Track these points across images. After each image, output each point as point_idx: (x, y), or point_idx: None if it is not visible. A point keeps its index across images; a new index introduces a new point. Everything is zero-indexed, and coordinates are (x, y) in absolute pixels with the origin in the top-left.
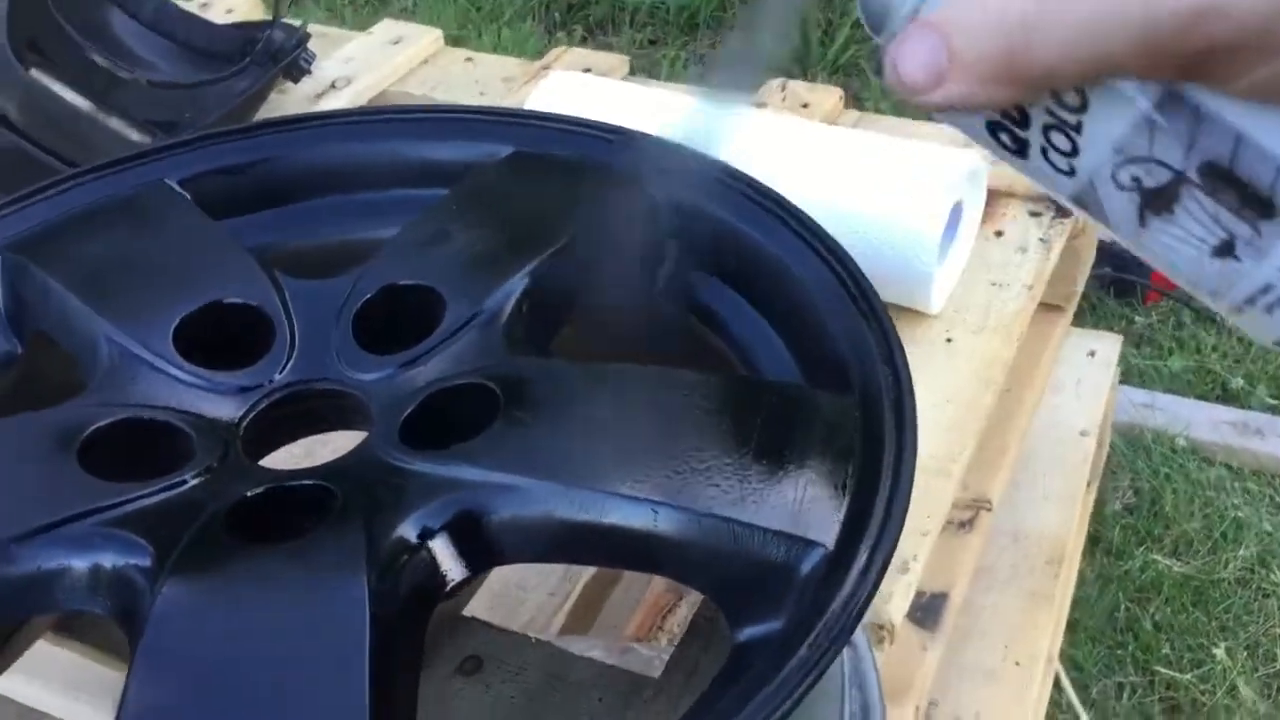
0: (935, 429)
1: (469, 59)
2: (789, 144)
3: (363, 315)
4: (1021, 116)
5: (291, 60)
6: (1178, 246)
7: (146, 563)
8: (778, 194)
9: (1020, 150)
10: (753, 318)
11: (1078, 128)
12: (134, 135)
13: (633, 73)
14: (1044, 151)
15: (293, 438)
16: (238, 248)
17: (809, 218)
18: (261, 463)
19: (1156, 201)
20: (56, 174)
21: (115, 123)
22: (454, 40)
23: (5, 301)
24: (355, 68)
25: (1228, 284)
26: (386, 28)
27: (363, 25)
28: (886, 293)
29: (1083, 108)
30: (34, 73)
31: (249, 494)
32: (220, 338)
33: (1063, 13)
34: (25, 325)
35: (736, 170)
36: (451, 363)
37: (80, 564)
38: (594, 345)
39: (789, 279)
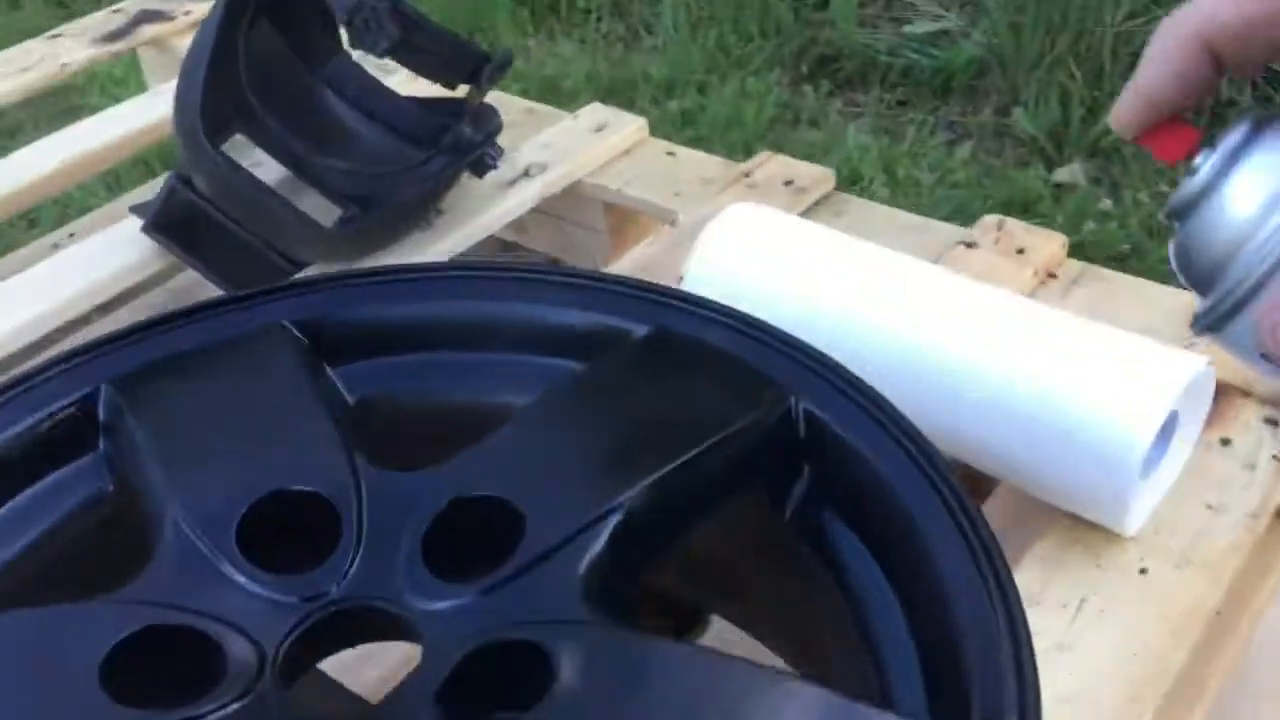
0: (1110, 684)
1: (670, 153)
2: (983, 321)
3: (440, 524)
4: None
5: (477, 158)
6: None
7: None
8: (932, 450)
9: None
10: (879, 582)
11: None
12: (323, 213)
13: (839, 186)
14: None
15: (336, 650)
16: (329, 424)
17: (959, 488)
18: (293, 690)
19: None
20: (233, 238)
21: (305, 204)
22: (699, 86)
23: (104, 438)
24: (552, 154)
25: None
26: (592, 112)
27: (613, 62)
28: (1075, 506)
29: None
30: (237, 138)
31: None
32: (288, 527)
33: None
34: (117, 467)
35: (889, 405)
36: (516, 605)
37: None
38: (701, 574)
39: (926, 551)
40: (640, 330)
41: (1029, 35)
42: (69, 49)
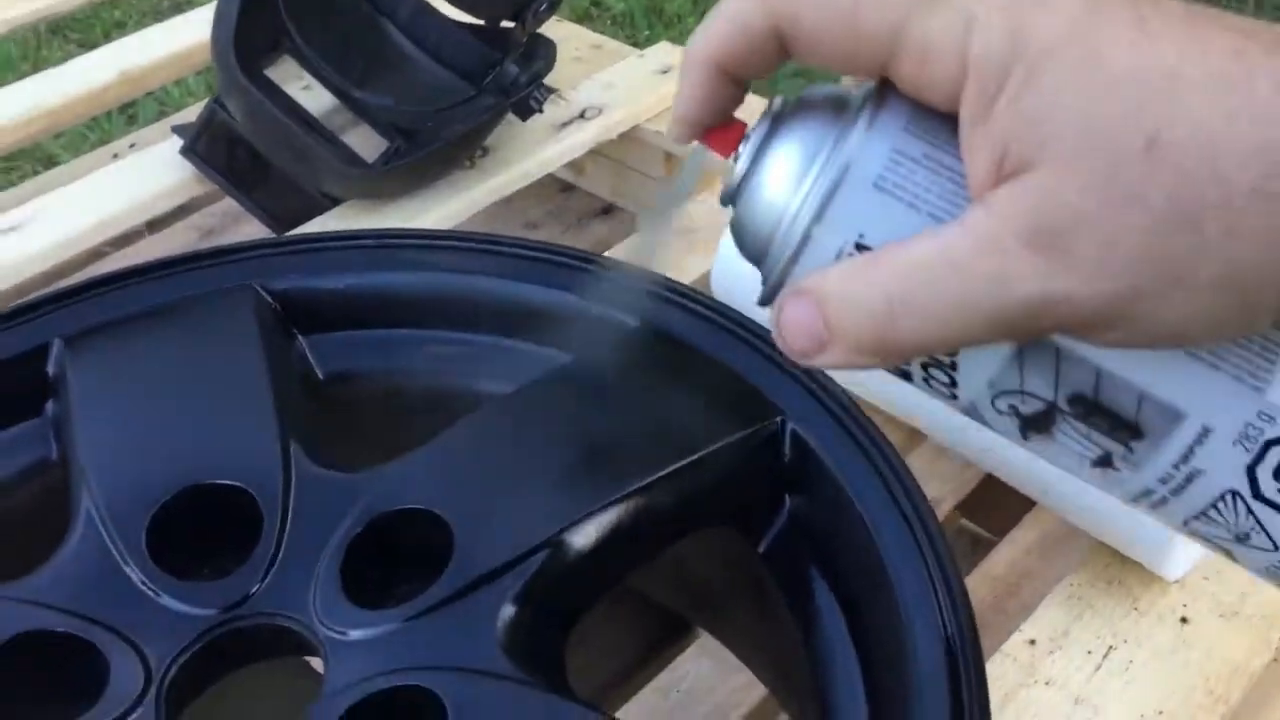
0: None
1: None
2: None
3: (366, 536)
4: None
5: (520, 100)
6: (1060, 457)
7: None
8: (925, 506)
9: (904, 377)
10: (844, 641)
11: (953, 368)
12: (373, 145)
13: None
14: (926, 381)
15: (238, 668)
16: (273, 407)
17: (946, 554)
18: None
19: (1034, 425)
20: (273, 168)
21: (355, 134)
22: None
23: (51, 400)
24: (613, 96)
25: (1111, 487)
26: (660, 52)
27: None
28: (1114, 539)
29: (954, 358)
30: (283, 65)
31: None
32: (208, 521)
33: (924, 303)
34: (60, 433)
35: (884, 442)
36: (429, 645)
37: None
38: (678, 584)
39: (898, 627)
40: (629, 322)
41: None
42: None
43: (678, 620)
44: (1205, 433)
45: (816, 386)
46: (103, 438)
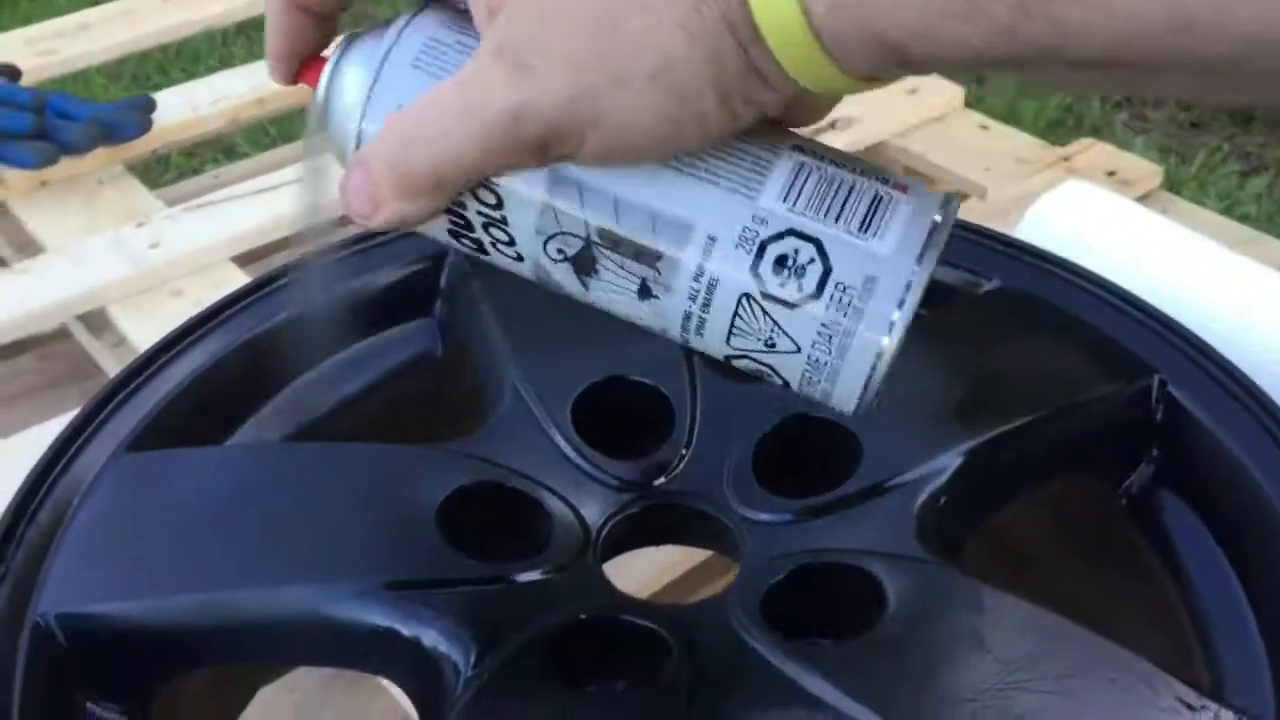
0: None
1: (984, 126)
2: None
3: (771, 438)
4: (465, 222)
5: None
6: (615, 298)
7: (462, 660)
8: None
9: (480, 249)
10: (1226, 577)
11: (505, 221)
12: None
13: (1166, 185)
14: (494, 245)
15: (652, 543)
16: None
17: None
18: (610, 570)
19: (582, 266)
20: None
21: None
22: (977, 77)
23: (442, 304)
24: (863, 109)
25: (662, 320)
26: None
27: None
28: None
29: (500, 204)
30: None
31: (584, 616)
32: (621, 413)
33: (429, 128)
34: (452, 332)
35: (1262, 393)
36: (845, 530)
37: (406, 633)
38: (1020, 541)
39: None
40: (986, 283)
41: None
42: None
43: None
44: (712, 241)
45: (1187, 345)
46: (523, 331)
